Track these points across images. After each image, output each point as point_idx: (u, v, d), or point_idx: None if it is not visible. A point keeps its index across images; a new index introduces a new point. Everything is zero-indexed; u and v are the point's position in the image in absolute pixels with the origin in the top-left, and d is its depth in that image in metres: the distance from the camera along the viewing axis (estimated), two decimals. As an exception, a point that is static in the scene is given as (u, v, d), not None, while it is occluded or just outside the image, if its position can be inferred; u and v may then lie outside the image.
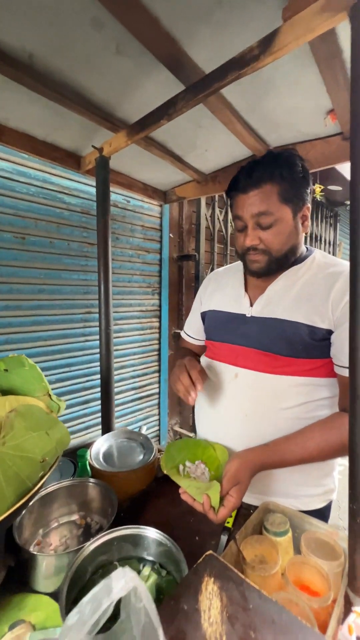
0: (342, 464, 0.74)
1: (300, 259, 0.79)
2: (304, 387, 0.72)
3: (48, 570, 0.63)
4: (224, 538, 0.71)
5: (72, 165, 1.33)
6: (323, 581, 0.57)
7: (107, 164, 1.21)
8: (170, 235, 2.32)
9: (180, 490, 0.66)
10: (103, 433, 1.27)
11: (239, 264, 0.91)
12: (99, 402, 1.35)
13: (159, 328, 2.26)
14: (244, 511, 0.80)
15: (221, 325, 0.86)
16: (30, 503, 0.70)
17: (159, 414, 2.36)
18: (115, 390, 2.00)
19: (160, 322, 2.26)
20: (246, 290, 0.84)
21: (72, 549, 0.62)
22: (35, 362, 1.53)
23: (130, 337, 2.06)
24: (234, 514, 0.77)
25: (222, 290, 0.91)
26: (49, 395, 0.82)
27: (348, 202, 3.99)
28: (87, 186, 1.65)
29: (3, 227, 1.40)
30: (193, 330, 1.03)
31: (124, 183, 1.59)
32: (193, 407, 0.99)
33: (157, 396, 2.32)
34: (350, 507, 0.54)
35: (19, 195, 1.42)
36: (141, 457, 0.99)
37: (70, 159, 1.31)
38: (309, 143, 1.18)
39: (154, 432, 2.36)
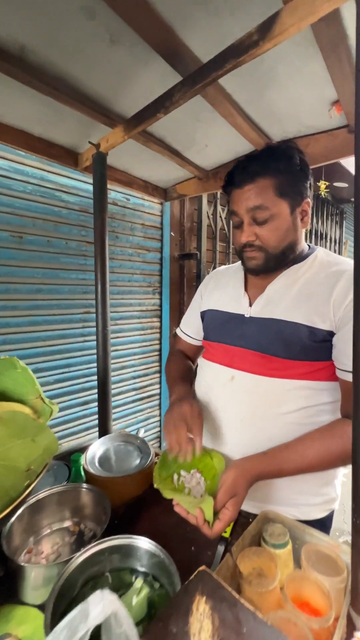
0: (345, 474, 0.70)
1: (301, 257, 0.76)
2: (304, 391, 0.68)
3: (36, 581, 0.61)
4: (220, 549, 0.68)
5: (70, 163, 1.31)
6: (324, 598, 0.54)
7: (105, 160, 1.18)
8: (172, 233, 2.28)
9: (173, 502, 0.63)
10: (100, 436, 1.25)
11: (240, 263, 0.88)
12: (98, 403, 1.32)
13: (160, 328, 2.23)
14: (242, 519, 0.77)
15: (219, 326, 0.82)
16: (18, 512, 0.68)
17: (160, 415, 2.34)
18: (116, 391, 1.98)
19: (161, 322, 2.23)
20: (246, 289, 0.81)
21: (62, 560, 0.60)
22: (34, 363, 1.55)
23: (131, 337, 2.04)
24: (231, 523, 0.74)
25: (222, 290, 0.88)
26: (42, 399, 0.79)
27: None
28: (85, 184, 1.62)
29: (0, 226, 1.38)
30: (191, 329, 1.00)
31: (123, 180, 1.56)
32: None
33: (158, 397, 2.30)
34: (354, 522, 0.50)
35: (15, 194, 1.40)
36: (138, 461, 0.96)
37: (67, 156, 1.29)
38: (313, 137, 1.13)
39: (155, 434, 2.33)
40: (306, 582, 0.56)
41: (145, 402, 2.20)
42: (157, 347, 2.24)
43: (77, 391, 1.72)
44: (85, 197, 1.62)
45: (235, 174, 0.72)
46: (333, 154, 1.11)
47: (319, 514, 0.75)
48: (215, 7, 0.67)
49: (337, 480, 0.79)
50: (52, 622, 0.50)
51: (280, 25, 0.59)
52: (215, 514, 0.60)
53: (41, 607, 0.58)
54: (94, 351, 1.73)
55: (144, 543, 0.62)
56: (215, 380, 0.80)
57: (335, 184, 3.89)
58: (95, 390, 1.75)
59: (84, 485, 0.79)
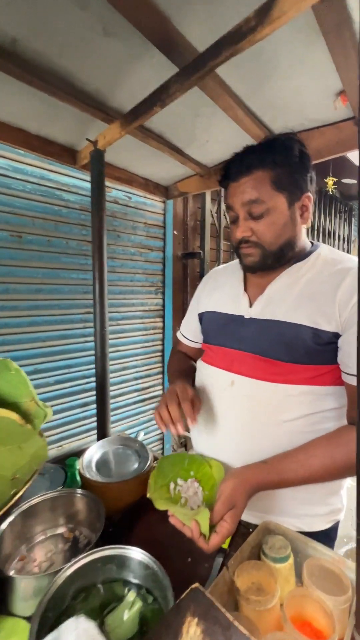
0: (351, 484, 0.66)
1: (304, 255, 0.72)
2: (307, 397, 0.65)
3: (26, 592, 0.59)
4: (218, 560, 0.65)
5: (68, 161, 1.29)
6: (327, 619, 0.50)
7: (102, 157, 1.16)
8: (175, 232, 2.26)
9: (168, 513, 0.59)
10: (99, 439, 1.23)
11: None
12: (97, 405, 1.31)
13: (163, 328, 2.20)
14: (242, 529, 0.73)
15: (218, 328, 0.79)
16: (10, 519, 0.66)
17: (163, 415, 2.31)
18: (118, 392, 1.96)
19: (163, 322, 2.20)
20: (246, 289, 0.77)
21: (54, 570, 0.57)
22: (34, 364, 1.53)
23: (133, 338, 2.01)
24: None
25: (221, 290, 0.84)
26: (35, 402, 0.77)
27: (362, 196, 3.84)
28: (85, 182, 1.60)
29: (-1, 226, 1.37)
30: (190, 332, 0.97)
31: (124, 178, 1.54)
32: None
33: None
34: (358, 540, 0.46)
35: (15, 193, 1.39)
36: (136, 465, 0.94)
37: (65, 154, 1.27)
38: (318, 130, 1.09)
39: (157, 435, 2.31)
40: (308, 601, 0.52)
41: (147, 404, 2.18)
42: (160, 347, 2.21)
43: (77, 392, 1.71)
44: (85, 195, 1.61)
45: (231, 167, 0.69)
46: (339, 147, 1.07)
47: (323, 525, 0.72)
48: (211, -7, 0.64)
49: (342, 490, 0.75)
50: (38, 636, 0.48)
51: (279, 8, 0.55)
52: (213, 526, 0.57)
53: (31, 619, 0.56)
54: (95, 352, 1.73)
55: (137, 554, 0.60)
56: (214, 385, 0.77)
57: (344, 181, 3.79)
58: (96, 392, 1.74)
59: (79, 490, 0.77)
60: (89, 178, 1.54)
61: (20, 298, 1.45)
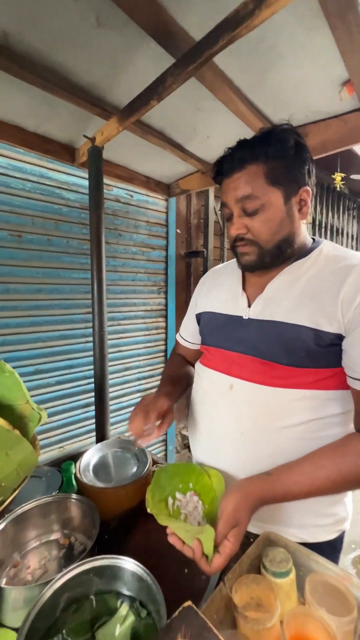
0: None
1: (304, 252, 0.68)
2: (309, 402, 0.61)
3: (16, 602, 0.57)
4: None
5: (67, 159, 1.27)
6: (330, 640, 0.47)
7: (100, 154, 1.14)
8: (178, 231, 2.23)
9: (168, 530, 0.55)
10: (97, 441, 1.21)
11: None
12: (97, 406, 1.29)
13: (166, 328, 2.18)
14: (243, 539, 0.70)
15: (216, 329, 0.76)
16: (1, 526, 0.64)
17: (166, 416, 2.29)
18: (120, 393, 1.94)
19: (166, 322, 2.18)
20: (244, 289, 0.74)
21: (45, 580, 0.56)
22: (34, 364, 1.52)
23: (135, 338, 1.99)
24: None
25: (219, 290, 0.81)
26: (30, 405, 0.76)
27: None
28: (85, 180, 1.58)
29: (-1, 225, 1.36)
30: (188, 334, 0.94)
31: (124, 176, 1.51)
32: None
33: (164, 398, 2.24)
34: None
35: (14, 192, 1.38)
36: (134, 469, 0.91)
37: (64, 152, 1.25)
38: (324, 122, 1.05)
39: (160, 436, 2.29)
40: (309, 620, 0.49)
41: (150, 404, 2.15)
42: (163, 347, 2.19)
43: (78, 393, 1.69)
44: (86, 193, 1.58)
45: (223, 162, 0.66)
46: (345, 140, 1.03)
47: (328, 535, 0.68)
48: (208, -22, 0.61)
49: (347, 497, 0.71)
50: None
51: (279, -11, 0.52)
52: (216, 547, 0.53)
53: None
54: (96, 352, 1.71)
55: (129, 565, 0.57)
56: (212, 389, 0.74)
57: (353, 177, 3.71)
58: (97, 393, 1.72)
59: (73, 495, 0.75)
60: (88, 176, 1.52)
61: (21, 298, 1.45)
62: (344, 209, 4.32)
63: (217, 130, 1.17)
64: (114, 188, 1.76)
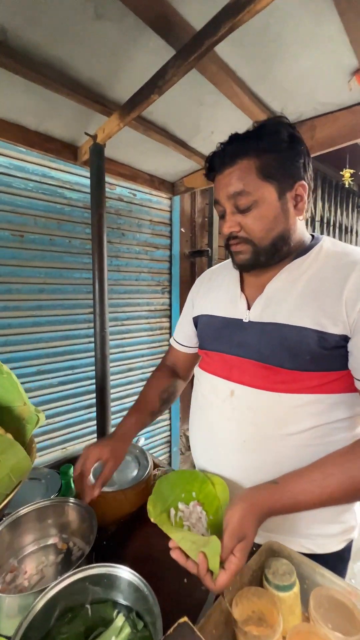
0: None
1: (304, 249, 0.65)
2: (314, 407, 0.58)
3: (10, 610, 0.55)
4: (217, 582, 0.60)
5: (69, 157, 1.26)
6: (336, 661, 0.44)
7: (102, 152, 1.12)
8: (182, 230, 2.20)
9: (170, 544, 0.52)
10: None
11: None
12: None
13: (170, 328, 2.15)
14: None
15: (215, 332, 0.73)
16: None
17: (170, 418, 2.27)
18: (123, 394, 1.93)
19: (170, 322, 2.15)
20: (243, 290, 0.71)
21: (40, 588, 0.54)
22: (37, 365, 1.52)
23: (138, 339, 1.97)
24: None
25: (216, 291, 0.78)
26: (28, 406, 0.74)
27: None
28: (88, 179, 1.57)
29: (0, 225, 1.35)
30: (183, 337, 0.90)
31: (127, 174, 1.50)
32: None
33: (168, 399, 2.22)
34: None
35: (16, 191, 1.37)
36: (135, 473, 0.90)
37: (66, 150, 1.24)
38: (332, 115, 1.02)
39: (164, 438, 2.27)
40: (314, 638, 0.46)
41: (154, 405, 2.13)
42: (167, 348, 2.16)
43: (81, 394, 1.68)
44: (88, 193, 1.57)
45: (215, 158, 0.63)
46: (355, 133, 0.99)
47: (336, 545, 0.65)
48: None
49: (356, 505, 0.68)
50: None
51: (283, -30, 0.49)
52: (221, 562, 0.50)
53: (12, 641, 0.53)
54: (98, 353, 1.70)
55: (126, 574, 0.55)
56: (213, 395, 0.71)
57: (361, 173, 3.63)
58: (99, 393, 1.71)
59: (71, 499, 0.74)
60: (90, 175, 1.50)
61: (23, 298, 1.44)
62: (353, 206, 4.23)
63: (221, 126, 1.14)
64: (116, 187, 1.74)
